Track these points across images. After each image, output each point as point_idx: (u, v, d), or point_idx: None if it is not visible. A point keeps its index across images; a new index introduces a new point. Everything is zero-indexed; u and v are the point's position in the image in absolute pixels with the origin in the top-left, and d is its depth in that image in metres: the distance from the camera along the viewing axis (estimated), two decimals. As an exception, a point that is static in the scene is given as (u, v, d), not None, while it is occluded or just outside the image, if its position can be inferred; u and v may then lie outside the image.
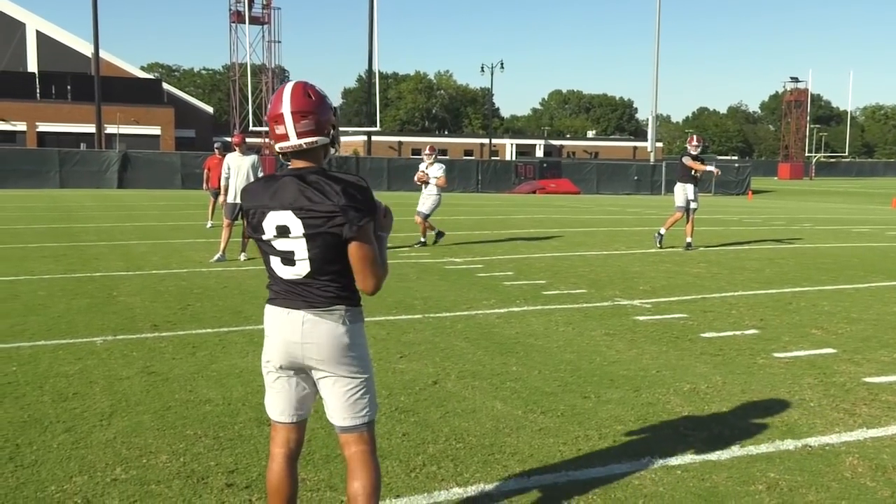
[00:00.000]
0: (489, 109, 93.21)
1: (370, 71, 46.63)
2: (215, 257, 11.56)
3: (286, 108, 2.70)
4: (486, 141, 73.84)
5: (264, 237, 2.75)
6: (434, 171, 13.82)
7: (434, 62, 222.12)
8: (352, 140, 71.18)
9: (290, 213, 2.67)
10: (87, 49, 53.15)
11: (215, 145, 18.02)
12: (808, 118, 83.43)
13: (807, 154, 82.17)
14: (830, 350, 6.56)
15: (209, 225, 17.20)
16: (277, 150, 2.79)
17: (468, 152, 75.50)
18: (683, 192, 13.96)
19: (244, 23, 41.53)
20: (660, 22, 47.03)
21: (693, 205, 13.89)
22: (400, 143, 75.89)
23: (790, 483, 3.86)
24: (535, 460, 4.10)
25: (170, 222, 18.43)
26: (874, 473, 4.01)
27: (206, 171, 17.90)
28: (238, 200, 11.56)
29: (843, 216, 25.08)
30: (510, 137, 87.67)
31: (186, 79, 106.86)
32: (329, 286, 2.74)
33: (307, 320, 2.73)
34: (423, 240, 14.06)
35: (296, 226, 2.68)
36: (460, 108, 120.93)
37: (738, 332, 7.17)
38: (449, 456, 4.14)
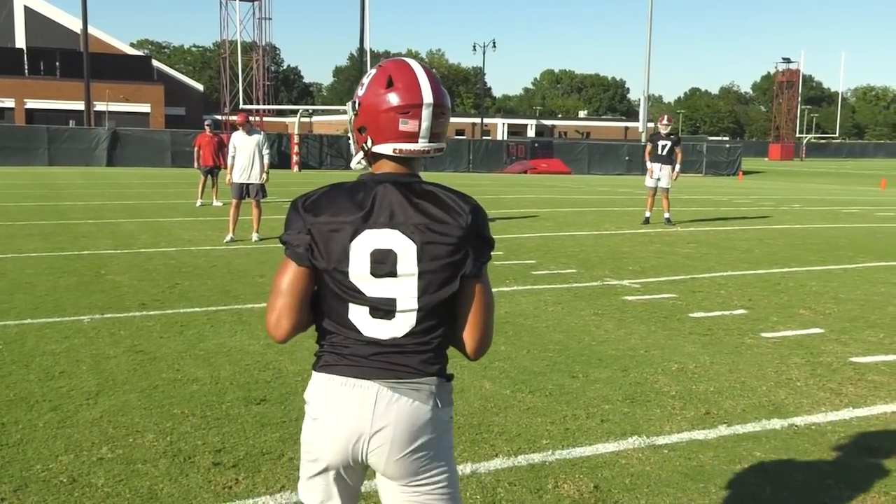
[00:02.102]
0: (481, 89, 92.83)
1: (362, 49, 46.33)
2: (227, 238, 11.45)
3: (428, 99, 1.94)
4: (477, 120, 73.62)
5: (349, 272, 1.90)
6: None
7: (426, 41, 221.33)
8: (343, 119, 70.79)
9: (398, 233, 1.89)
10: (75, 25, 52.59)
11: (205, 123, 17.92)
12: (800, 99, 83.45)
13: (798, 135, 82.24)
14: (818, 330, 6.58)
15: (199, 203, 17.11)
16: (391, 152, 1.95)
17: (460, 132, 75.25)
18: (650, 170, 14.71)
19: (235, 0, 41.17)
20: (652, 2, 46.83)
21: (661, 183, 14.46)
22: (391, 122, 75.43)
23: (776, 462, 3.88)
24: (522, 439, 4.11)
25: (159, 200, 18.32)
26: (860, 453, 4.03)
27: (196, 148, 17.80)
28: (244, 180, 11.49)
29: (833, 197, 25.15)
30: (502, 117, 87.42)
31: (176, 56, 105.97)
32: (426, 349, 1.95)
33: (383, 396, 1.92)
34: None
35: (407, 254, 1.88)
36: (452, 88, 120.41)
37: (726, 312, 7.19)
38: (437, 435, 4.14)
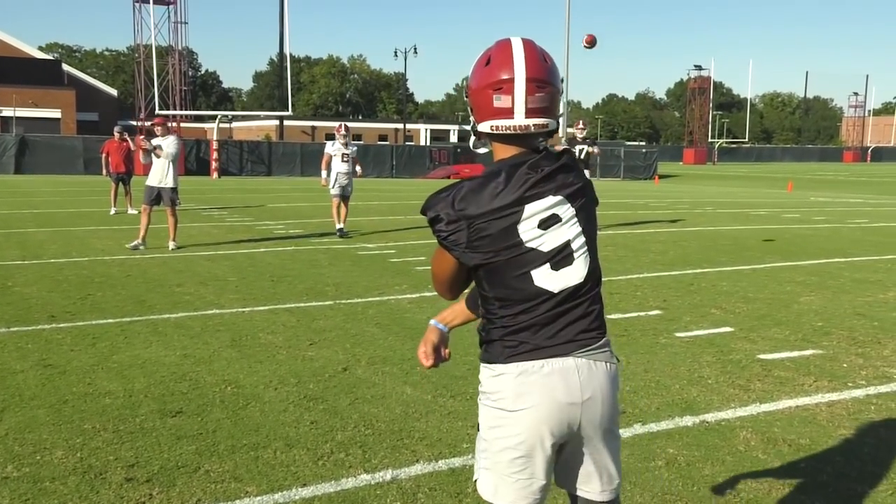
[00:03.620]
0: (403, 94, 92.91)
1: (282, 54, 45.82)
2: (132, 244, 11.13)
3: (519, 73, 1.96)
4: (400, 126, 73.66)
5: (524, 241, 1.99)
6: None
7: (347, 46, 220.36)
8: (263, 124, 69.81)
9: (550, 197, 2.00)
10: (-22, 27, 50.38)
11: (115, 129, 17.45)
12: (711, 105, 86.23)
13: (710, 139, 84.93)
14: (728, 329, 6.82)
15: (113, 211, 16.62)
16: (489, 129, 2.02)
17: (382, 137, 75.09)
18: None
19: (148, 2, 40.09)
20: (569, 9, 47.69)
21: None
22: (313, 127, 74.83)
23: (688, 458, 4.01)
24: (443, 444, 4.13)
25: (71, 209, 17.72)
26: (766, 446, 4.19)
27: (104, 155, 17.30)
28: (155, 184, 11.19)
29: (743, 199, 26.07)
30: (424, 122, 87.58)
31: (88, 60, 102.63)
32: (596, 304, 2.08)
33: (581, 367, 2.01)
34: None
35: (564, 207, 2.02)
36: (374, 93, 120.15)
37: (642, 313, 7.38)
38: (357, 443, 4.13)
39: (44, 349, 5.84)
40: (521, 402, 1.99)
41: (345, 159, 13.27)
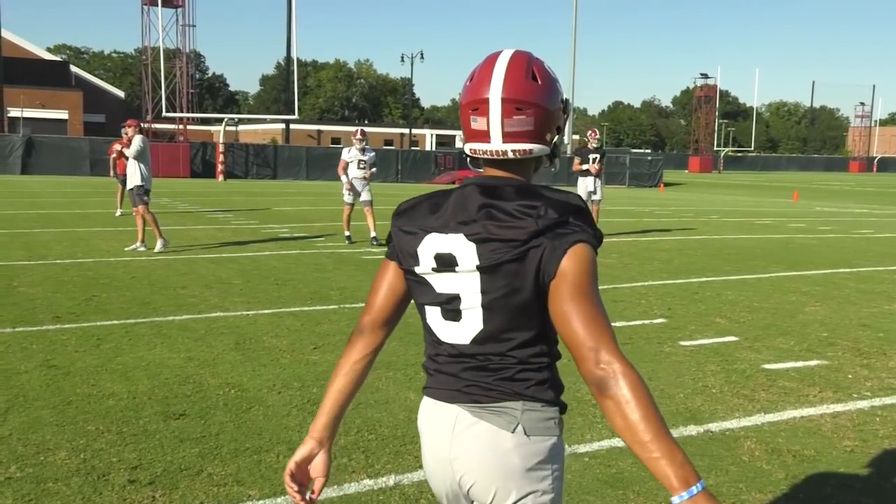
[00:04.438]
0: (409, 99, 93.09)
1: (288, 58, 45.90)
2: (130, 247, 11.16)
3: (495, 93, 1.73)
4: (406, 131, 73.77)
5: (417, 269, 1.78)
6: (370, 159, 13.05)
7: (354, 51, 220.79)
8: (269, 128, 69.99)
9: (460, 236, 1.71)
10: (-13, 28, 50.61)
11: (122, 131, 17.47)
12: (717, 113, 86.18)
13: (716, 148, 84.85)
14: (733, 338, 6.80)
15: (118, 213, 16.66)
16: (469, 152, 1.81)
17: (388, 142, 75.21)
18: (584, 185, 14.70)
19: (157, 5, 40.22)
20: (576, 17, 47.79)
21: (594, 196, 14.60)
22: (319, 131, 75.03)
23: (691, 467, 3.99)
24: (446, 450, 4.12)
25: (77, 210, 17.76)
26: (770, 456, 4.18)
27: (112, 157, 17.32)
28: (128, 185, 11.22)
29: (749, 209, 26.03)
30: (430, 128, 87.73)
31: (96, 62, 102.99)
32: (507, 365, 1.73)
33: (461, 420, 1.74)
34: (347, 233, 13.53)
35: (466, 254, 1.70)
36: (380, 98, 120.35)
37: (646, 322, 7.37)
38: (360, 447, 4.13)
39: (48, 350, 5.85)
40: (420, 437, 1.86)
41: (361, 166, 12.97)
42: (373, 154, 13.11)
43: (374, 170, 13.07)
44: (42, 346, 5.94)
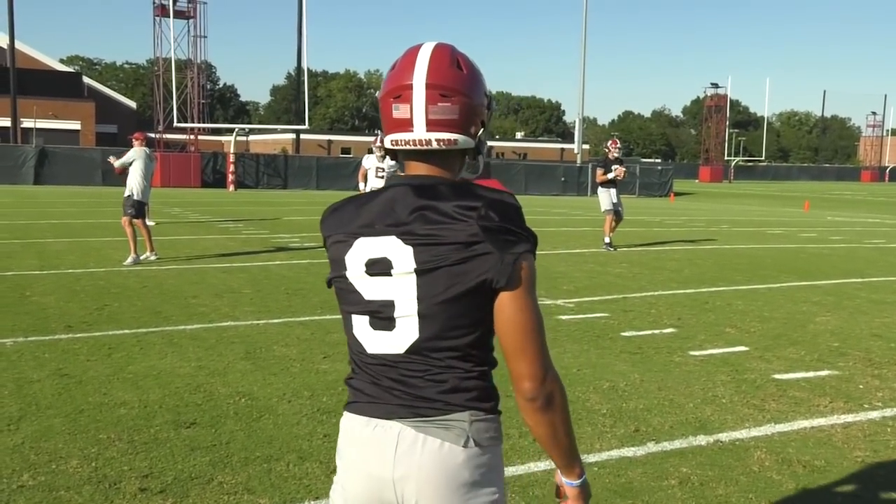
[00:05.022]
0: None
1: (299, 68, 46.12)
2: (143, 256, 11.20)
3: (419, 79, 1.66)
4: (415, 141, 73.80)
5: (346, 274, 1.71)
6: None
7: (364, 61, 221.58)
8: (280, 138, 70.24)
9: (393, 238, 1.65)
10: (2, 40, 51.10)
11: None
12: (728, 123, 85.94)
13: (726, 157, 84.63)
14: (743, 348, 6.78)
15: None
16: (389, 144, 1.74)
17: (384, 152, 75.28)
18: (608, 195, 14.45)
19: (169, 17, 40.49)
20: (586, 27, 47.84)
21: (619, 208, 14.47)
22: (329, 141, 75.28)
23: (701, 477, 3.99)
24: (455, 459, 4.12)
25: (89, 220, 17.87)
26: (780, 467, 4.17)
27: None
28: (134, 196, 11.24)
29: (759, 218, 25.96)
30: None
31: (108, 72, 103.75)
32: (447, 374, 1.66)
33: (405, 438, 1.65)
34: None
35: (402, 258, 1.64)
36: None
37: (656, 331, 7.35)
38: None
39: (60, 359, 5.89)
40: (342, 458, 1.75)
41: (379, 174, 12.88)
42: (393, 163, 13.04)
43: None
44: (54, 355, 5.98)
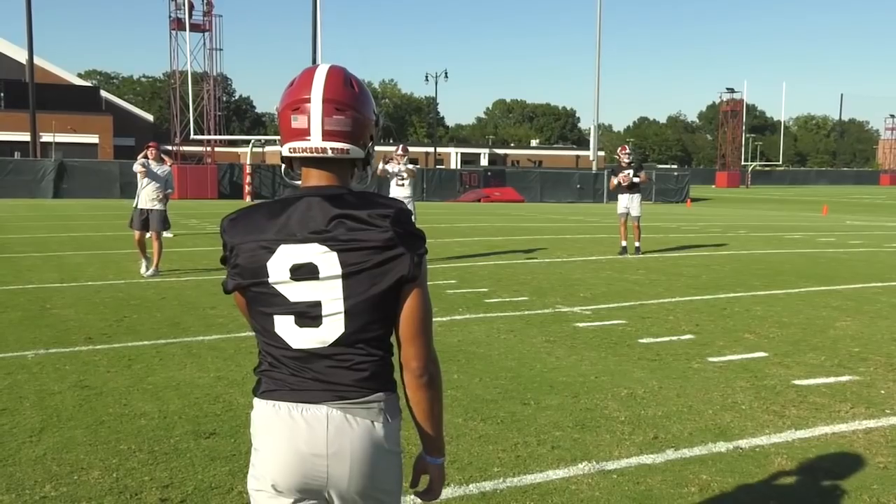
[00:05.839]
0: (434, 118, 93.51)
1: (314, 79, 46.34)
2: (147, 271, 11.22)
3: (316, 94, 1.88)
4: (431, 149, 74.04)
5: (269, 280, 1.87)
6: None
7: (379, 71, 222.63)
8: (296, 149, 70.39)
9: (316, 245, 1.84)
10: (21, 55, 51.75)
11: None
12: (744, 128, 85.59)
13: (743, 163, 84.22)
14: (762, 354, 6.74)
15: (149, 235, 16.84)
16: (287, 152, 1.94)
17: (413, 161, 75.57)
18: (622, 202, 14.68)
19: (185, 30, 40.86)
20: (600, 33, 47.83)
21: (633, 212, 14.44)
22: (344, 151, 75.52)
23: (721, 484, 3.96)
24: (474, 468, 4.13)
25: (108, 232, 18.02)
26: (801, 473, 4.13)
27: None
28: (143, 206, 11.32)
29: (777, 223, 25.79)
30: (455, 146, 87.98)
31: (126, 86, 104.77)
32: (366, 362, 1.89)
33: (333, 419, 1.85)
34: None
35: (328, 262, 1.84)
36: (405, 117, 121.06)
37: (674, 338, 7.32)
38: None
39: (81, 370, 5.95)
40: (264, 442, 1.89)
41: (399, 183, 12.90)
42: (410, 168, 13.12)
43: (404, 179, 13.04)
44: (75, 367, 6.04)
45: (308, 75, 1.92)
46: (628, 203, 14.50)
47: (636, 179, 14.52)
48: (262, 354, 1.96)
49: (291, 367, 1.89)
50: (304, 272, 1.84)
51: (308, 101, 1.89)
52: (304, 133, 1.89)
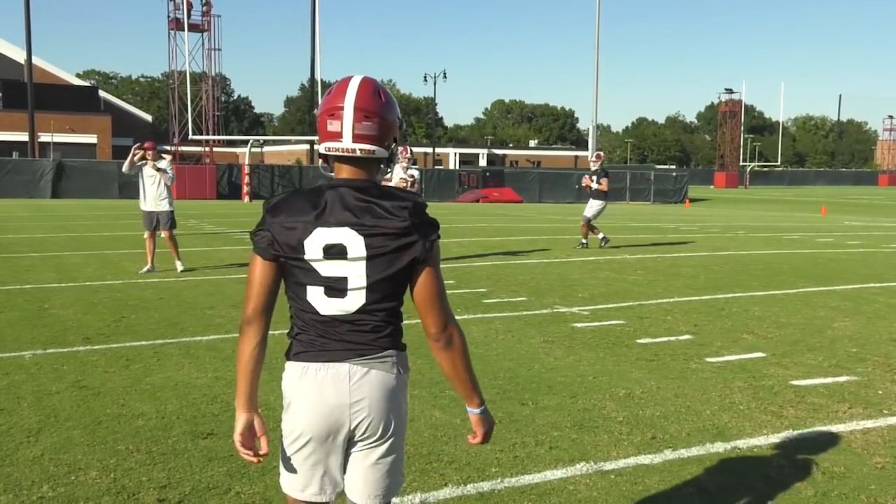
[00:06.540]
0: (432, 118, 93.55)
1: (313, 79, 46.36)
2: (143, 269, 11.31)
3: (349, 102, 2.20)
4: (429, 150, 74.04)
5: (305, 257, 2.18)
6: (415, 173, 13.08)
7: (377, 71, 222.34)
8: (294, 149, 70.61)
9: (346, 229, 2.16)
10: (19, 55, 51.72)
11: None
12: (743, 128, 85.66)
13: (741, 163, 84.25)
14: (760, 354, 6.74)
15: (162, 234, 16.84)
16: (323, 150, 2.25)
17: (413, 161, 75.55)
18: (589, 202, 16.40)
19: (183, 30, 40.86)
20: (599, 34, 47.82)
21: (586, 211, 16.15)
22: (343, 151, 75.50)
23: (719, 485, 3.97)
24: (472, 468, 4.13)
25: (106, 232, 18.02)
26: (799, 474, 4.13)
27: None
28: (150, 208, 11.37)
29: (776, 223, 25.81)
30: (453, 146, 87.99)
31: (124, 86, 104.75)
32: (381, 326, 2.24)
33: (355, 373, 2.21)
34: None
35: (356, 245, 2.16)
36: (404, 118, 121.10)
37: (672, 338, 7.32)
38: (386, 465, 4.13)
39: (79, 371, 5.94)
40: (297, 398, 2.24)
41: (403, 185, 12.76)
42: (416, 173, 13.15)
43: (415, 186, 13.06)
44: (73, 367, 6.03)
45: (343, 85, 2.24)
46: (590, 206, 16.09)
47: (594, 186, 16.15)
48: (293, 319, 2.29)
49: (319, 329, 2.23)
50: (335, 252, 2.17)
51: (342, 108, 2.20)
52: (337, 135, 2.21)
